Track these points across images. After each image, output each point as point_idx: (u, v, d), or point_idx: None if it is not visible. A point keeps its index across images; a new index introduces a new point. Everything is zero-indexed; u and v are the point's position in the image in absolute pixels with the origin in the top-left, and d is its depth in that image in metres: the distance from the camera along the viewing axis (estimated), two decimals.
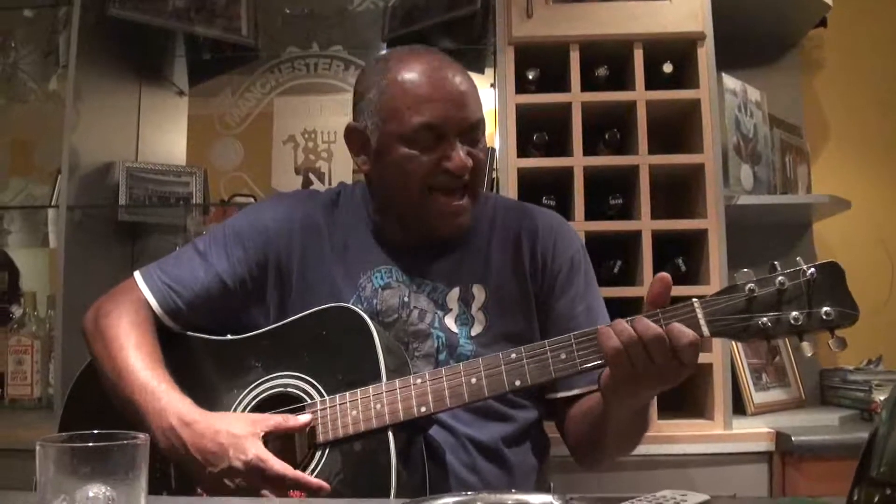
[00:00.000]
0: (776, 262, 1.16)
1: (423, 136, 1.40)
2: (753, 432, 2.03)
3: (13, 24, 2.74)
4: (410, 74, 1.42)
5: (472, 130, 1.44)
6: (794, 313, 1.14)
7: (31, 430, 2.11)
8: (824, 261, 1.15)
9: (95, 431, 0.83)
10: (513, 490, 0.95)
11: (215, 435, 1.25)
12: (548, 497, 0.86)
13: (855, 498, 0.66)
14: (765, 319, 1.15)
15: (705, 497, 1.00)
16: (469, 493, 0.87)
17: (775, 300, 1.15)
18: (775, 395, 2.33)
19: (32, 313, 2.47)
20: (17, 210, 2.76)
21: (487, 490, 0.87)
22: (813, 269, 1.14)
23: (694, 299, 1.19)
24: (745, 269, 1.18)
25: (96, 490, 0.77)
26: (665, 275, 1.19)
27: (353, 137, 1.51)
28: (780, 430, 2.00)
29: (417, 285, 1.50)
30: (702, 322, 1.17)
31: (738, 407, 2.17)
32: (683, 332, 1.13)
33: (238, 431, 1.25)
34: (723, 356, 2.03)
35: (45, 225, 2.68)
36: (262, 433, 1.27)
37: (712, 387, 2.02)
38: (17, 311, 2.58)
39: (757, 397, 2.25)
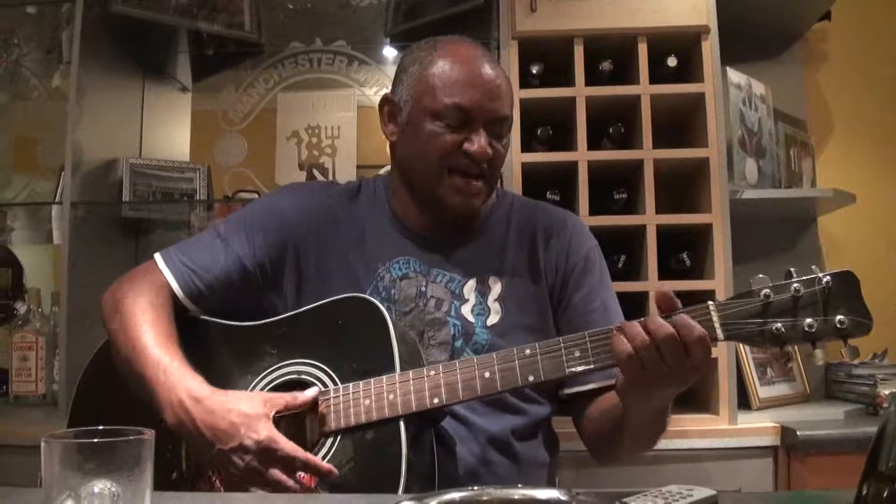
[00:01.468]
0: (792, 269, 1.17)
1: (452, 116, 1.44)
2: (759, 427, 2.03)
3: (16, 21, 2.74)
4: (455, 58, 1.48)
5: (498, 123, 1.48)
6: (809, 320, 1.14)
7: (36, 426, 2.11)
8: (839, 269, 1.16)
9: (101, 427, 0.83)
10: (519, 485, 0.95)
11: (227, 413, 1.25)
12: (554, 492, 0.86)
13: (864, 493, 0.66)
14: (779, 325, 1.15)
15: (711, 492, 1.00)
16: (475, 487, 0.86)
17: (790, 306, 1.16)
18: (780, 389, 2.33)
19: (37, 310, 2.47)
20: (21, 207, 2.76)
21: (494, 485, 0.87)
22: (828, 277, 1.15)
23: (710, 302, 1.19)
24: (761, 276, 1.19)
25: (101, 486, 0.77)
26: (663, 291, 1.20)
27: (386, 107, 1.56)
28: (785, 424, 2.00)
29: (434, 276, 1.51)
30: (717, 325, 1.18)
31: (744, 401, 2.17)
32: (691, 326, 1.14)
33: (250, 411, 1.25)
34: (728, 351, 2.03)
35: (48, 221, 2.68)
36: (273, 413, 1.27)
37: (718, 381, 2.02)
38: (21, 308, 2.58)
39: (762, 392, 2.24)
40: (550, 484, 1.57)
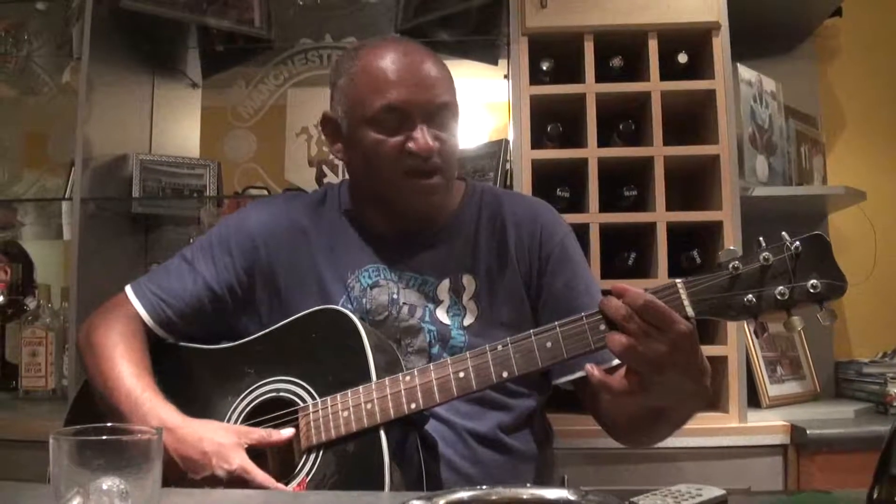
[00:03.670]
0: (761, 238, 1.15)
1: (387, 119, 1.40)
2: (768, 425, 2.01)
3: (26, 17, 2.74)
4: (378, 61, 1.43)
5: (438, 112, 1.43)
6: (780, 288, 1.12)
7: (46, 421, 2.11)
8: (809, 233, 1.14)
9: (109, 424, 0.83)
10: (528, 484, 0.95)
11: (198, 442, 1.25)
12: (563, 491, 0.85)
13: (875, 496, 0.66)
14: (750, 296, 1.13)
15: (721, 491, 0.99)
16: (484, 486, 0.86)
17: (760, 276, 1.13)
18: (790, 387, 2.32)
19: (46, 305, 2.48)
20: (31, 202, 2.77)
21: (503, 484, 0.86)
22: (798, 243, 1.13)
23: (677, 280, 1.17)
24: (731, 248, 1.17)
25: (110, 483, 0.77)
26: (618, 286, 1.16)
27: (328, 126, 1.53)
28: (794, 422, 1.99)
29: (407, 280, 1.49)
30: (686, 303, 1.15)
31: (753, 400, 2.16)
32: (636, 294, 1.12)
33: (222, 440, 1.26)
34: (738, 349, 2.02)
35: (58, 217, 2.69)
36: (246, 445, 1.27)
37: (727, 379, 2.01)
38: (31, 304, 2.60)
39: (772, 390, 2.24)
40: (550, 477, 1.57)
